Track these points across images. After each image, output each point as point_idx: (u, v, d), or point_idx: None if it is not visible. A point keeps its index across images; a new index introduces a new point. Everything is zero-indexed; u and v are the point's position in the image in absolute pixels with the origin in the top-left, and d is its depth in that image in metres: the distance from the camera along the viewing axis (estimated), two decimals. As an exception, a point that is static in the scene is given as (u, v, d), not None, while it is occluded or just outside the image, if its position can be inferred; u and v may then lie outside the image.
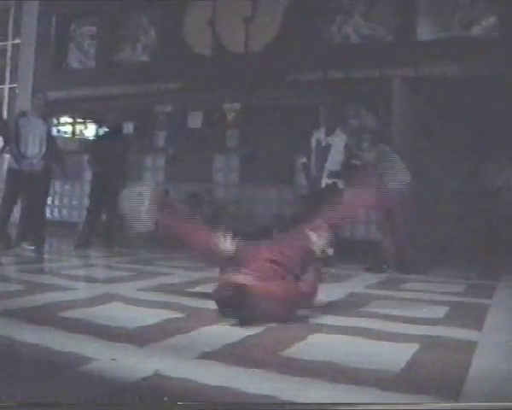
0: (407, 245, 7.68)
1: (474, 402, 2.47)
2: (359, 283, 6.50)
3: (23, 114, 9.28)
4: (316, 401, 2.40)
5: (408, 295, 5.61)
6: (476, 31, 11.07)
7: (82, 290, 5.39)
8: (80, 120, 15.31)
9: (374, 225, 11.34)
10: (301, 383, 2.58)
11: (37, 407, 2.24)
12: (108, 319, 3.85)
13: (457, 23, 11.15)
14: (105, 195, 9.58)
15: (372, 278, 6.93)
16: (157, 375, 2.64)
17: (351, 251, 9.05)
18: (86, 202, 10.58)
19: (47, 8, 15.11)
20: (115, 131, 10.22)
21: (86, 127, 15.27)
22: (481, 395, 2.57)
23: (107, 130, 10.48)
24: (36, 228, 8.89)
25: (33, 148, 8.66)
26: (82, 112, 14.96)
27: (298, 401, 2.38)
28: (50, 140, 8.94)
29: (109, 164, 9.53)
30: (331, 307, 4.54)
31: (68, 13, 15.18)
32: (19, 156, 8.56)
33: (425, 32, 11.38)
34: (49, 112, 9.42)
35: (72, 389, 2.47)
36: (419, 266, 7.50)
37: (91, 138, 14.20)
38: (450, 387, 2.64)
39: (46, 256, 8.39)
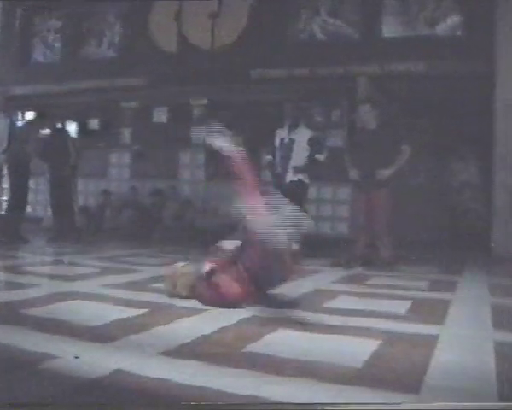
0: (389, 242, 7.73)
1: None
2: (325, 278, 6.54)
3: None
4: (276, 398, 2.41)
5: (372, 290, 5.64)
6: (441, 29, 11.18)
7: (45, 287, 5.34)
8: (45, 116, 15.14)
9: (340, 221, 11.46)
10: (262, 379, 2.59)
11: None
12: (71, 316, 3.82)
13: (422, 21, 11.25)
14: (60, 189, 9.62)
15: (338, 273, 6.97)
16: (119, 372, 2.63)
17: (316, 247, 9.08)
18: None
19: (11, 1, 14.92)
20: (61, 127, 10.23)
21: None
22: (441, 388, 2.60)
23: (52, 126, 10.46)
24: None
25: None
26: (46, 107, 14.80)
27: (259, 395, 2.39)
28: (13, 135, 8.84)
29: (58, 159, 9.58)
30: (295, 303, 4.55)
31: (33, 6, 15.00)
32: None
33: (390, 29, 11.46)
34: (12, 107, 9.30)
35: (34, 387, 2.45)
36: (394, 265, 7.55)
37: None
38: (411, 380, 2.67)
39: (9, 253, 8.28)
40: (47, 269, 7.11)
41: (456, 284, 6.27)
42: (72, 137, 10.33)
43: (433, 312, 4.52)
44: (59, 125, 10.26)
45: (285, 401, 2.36)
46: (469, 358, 3.13)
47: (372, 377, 2.72)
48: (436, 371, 2.83)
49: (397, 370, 2.86)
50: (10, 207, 9.17)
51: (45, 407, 2.25)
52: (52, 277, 6.37)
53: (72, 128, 10.61)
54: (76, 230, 10.02)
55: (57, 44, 14.90)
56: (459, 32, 11.04)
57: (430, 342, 3.42)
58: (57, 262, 7.86)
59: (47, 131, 10.79)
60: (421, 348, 3.28)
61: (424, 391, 2.54)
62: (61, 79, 13.78)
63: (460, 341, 3.55)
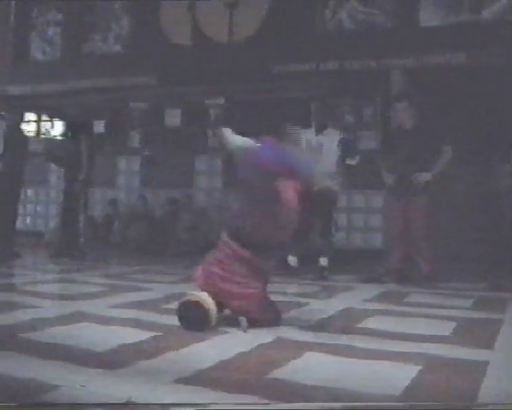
0: (429, 255, 7.70)
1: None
2: (356, 296, 6.51)
3: None
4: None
5: (410, 309, 5.61)
6: (487, 15, 11.07)
7: (49, 309, 5.37)
8: (45, 118, 15.23)
9: (374, 232, 11.40)
10: (290, 409, 2.59)
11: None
12: (78, 340, 3.84)
13: (466, 6, 11.15)
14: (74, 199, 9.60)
15: (371, 290, 6.94)
16: (130, 402, 2.63)
17: (347, 261, 9.07)
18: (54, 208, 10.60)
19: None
20: (76, 129, 10.14)
21: (52, 125, 15.19)
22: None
23: (67, 127, 10.45)
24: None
25: None
26: (46, 108, 14.89)
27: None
28: (9, 140, 8.91)
29: (69, 167, 9.58)
30: (325, 324, 4.54)
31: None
32: None
33: (429, 16, 11.40)
34: (8, 109, 9.36)
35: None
36: (434, 280, 7.51)
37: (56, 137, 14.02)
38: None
39: (8, 270, 8.33)
40: (50, 288, 7.16)
41: (505, 302, 6.20)
42: (89, 144, 9.95)
43: (481, 334, 4.48)
44: (72, 128, 10.10)
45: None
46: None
47: (411, 407, 2.71)
48: (486, 402, 2.80)
49: (440, 400, 2.84)
50: (2, 220, 9.21)
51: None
52: (56, 296, 6.41)
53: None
54: (81, 245, 9.99)
55: (57, 39, 14.98)
56: (510, 17, 10.89)
57: (479, 368, 3.38)
58: (61, 280, 7.90)
59: (60, 133, 10.74)
60: (468, 376, 3.25)
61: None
62: (62, 77, 13.85)
63: (512, 367, 3.52)
